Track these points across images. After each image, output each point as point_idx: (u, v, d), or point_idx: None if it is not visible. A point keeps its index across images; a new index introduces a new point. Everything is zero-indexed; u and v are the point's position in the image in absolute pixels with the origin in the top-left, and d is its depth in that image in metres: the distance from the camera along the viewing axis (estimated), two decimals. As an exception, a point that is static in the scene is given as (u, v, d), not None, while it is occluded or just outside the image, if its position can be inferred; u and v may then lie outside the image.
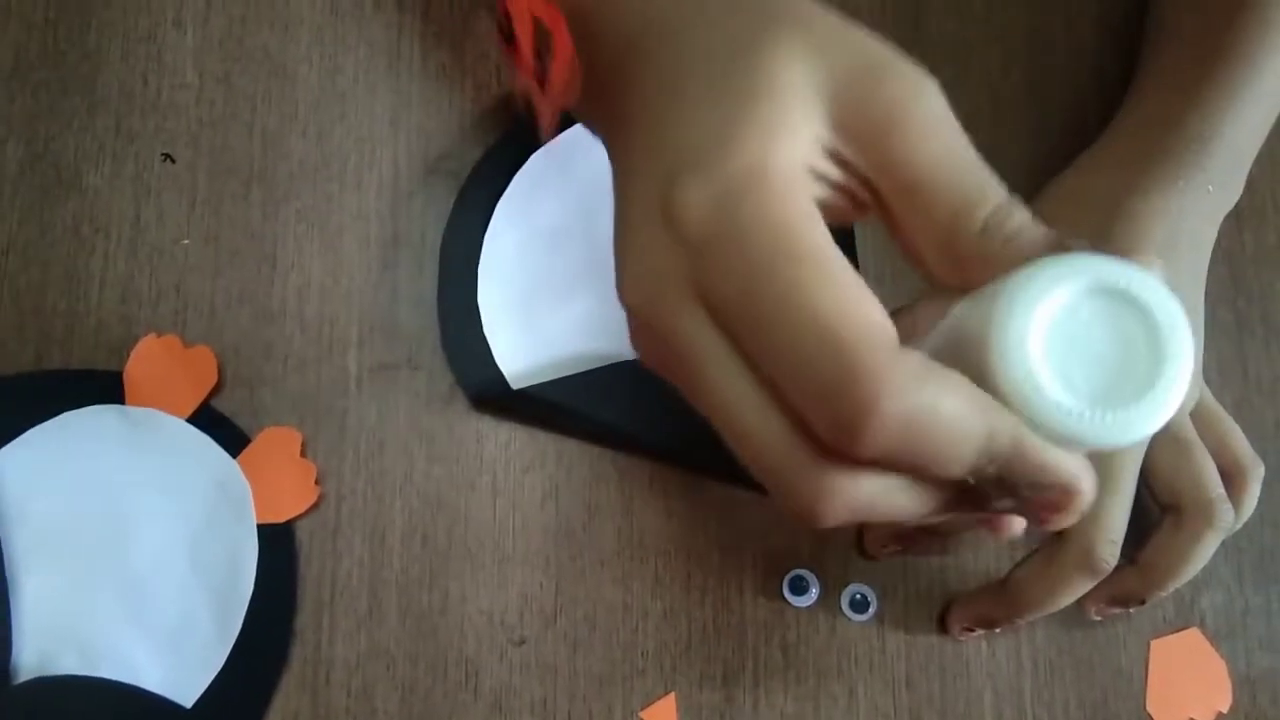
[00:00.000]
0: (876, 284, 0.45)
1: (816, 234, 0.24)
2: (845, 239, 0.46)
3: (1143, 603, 0.41)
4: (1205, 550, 0.40)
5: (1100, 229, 0.40)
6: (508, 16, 0.31)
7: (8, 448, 0.43)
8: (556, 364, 0.44)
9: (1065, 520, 0.25)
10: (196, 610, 0.42)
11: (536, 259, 0.45)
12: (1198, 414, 0.41)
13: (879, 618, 0.43)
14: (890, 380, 0.22)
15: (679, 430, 0.42)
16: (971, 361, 0.24)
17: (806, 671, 0.43)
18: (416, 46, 0.47)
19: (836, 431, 0.23)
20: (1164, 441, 0.40)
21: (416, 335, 0.45)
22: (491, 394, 0.44)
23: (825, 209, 0.26)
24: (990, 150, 0.47)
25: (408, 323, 0.45)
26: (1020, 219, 0.25)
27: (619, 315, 0.28)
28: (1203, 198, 0.41)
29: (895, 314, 0.25)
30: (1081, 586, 0.39)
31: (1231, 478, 0.41)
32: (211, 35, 0.47)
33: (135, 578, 0.42)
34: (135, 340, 0.44)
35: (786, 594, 0.43)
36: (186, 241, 0.45)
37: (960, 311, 0.25)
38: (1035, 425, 0.23)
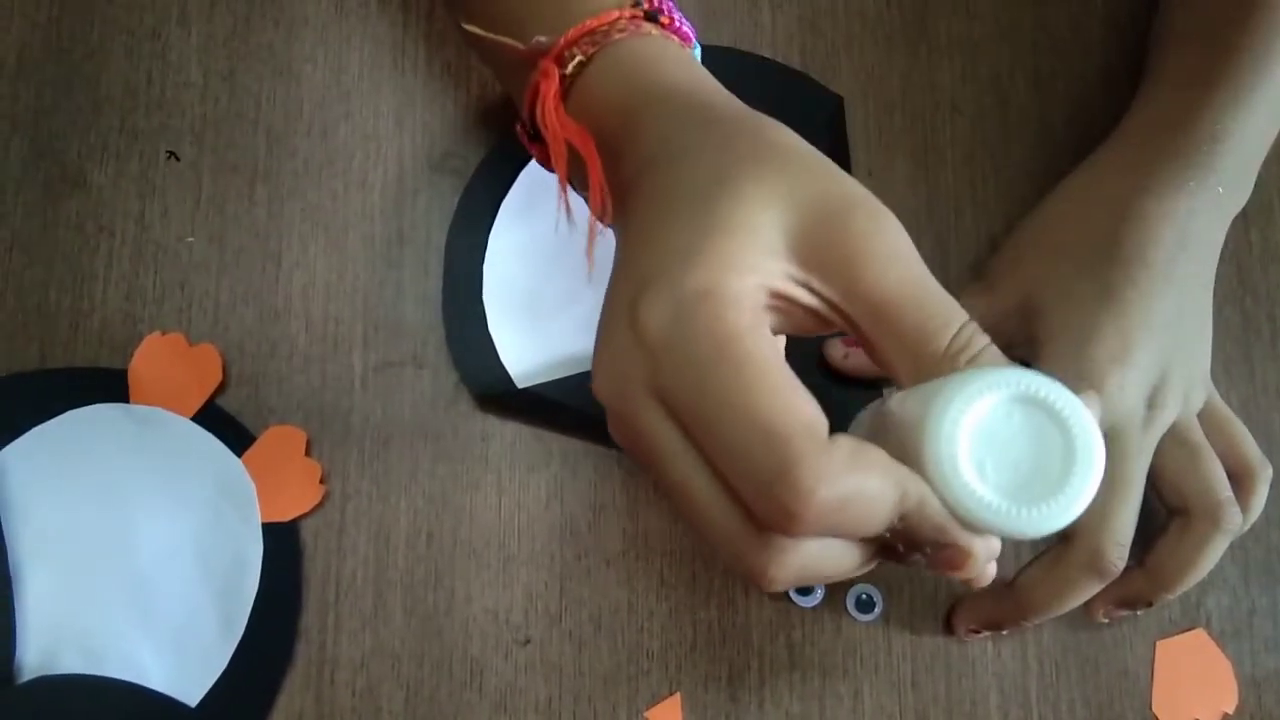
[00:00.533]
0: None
1: (759, 344, 0.27)
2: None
3: (1150, 605, 0.41)
4: (1213, 553, 0.40)
5: (1110, 230, 0.40)
6: (531, 120, 0.35)
7: (11, 446, 0.43)
8: (562, 363, 0.44)
9: (963, 575, 0.28)
10: (201, 609, 0.41)
11: (541, 258, 0.45)
12: (1205, 416, 0.41)
13: (884, 618, 0.43)
14: (822, 471, 0.25)
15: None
16: (908, 443, 0.27)
17: (812, 671, 0.43)
18: (421, 45, 0.47)
19: (777, 517, 0.26)
20: (1172, 444, 0.40)
21: (421, 333, 0.45)
22: (497, 393, 0.44)
23: (798, 327, 0.29)
24: (997, 149, 0.48)
25: (412, 321, 0.45)
26: (980, 342, 0.28)
27: None
28: (1212, 198, 0.41)
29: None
30: (1089, 589, 0.39)
31: (1239, 480, 0.41)
32: (216, 33, 0.47)
33: (139, 576, 0.42)
34: (140, 338, 0.44)
35: (792, 594, 0.43)
36: (191, 239, 0.45)
37: (900, 399, 0.29)
38: (950, 507, 0.27)
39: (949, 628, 0.43)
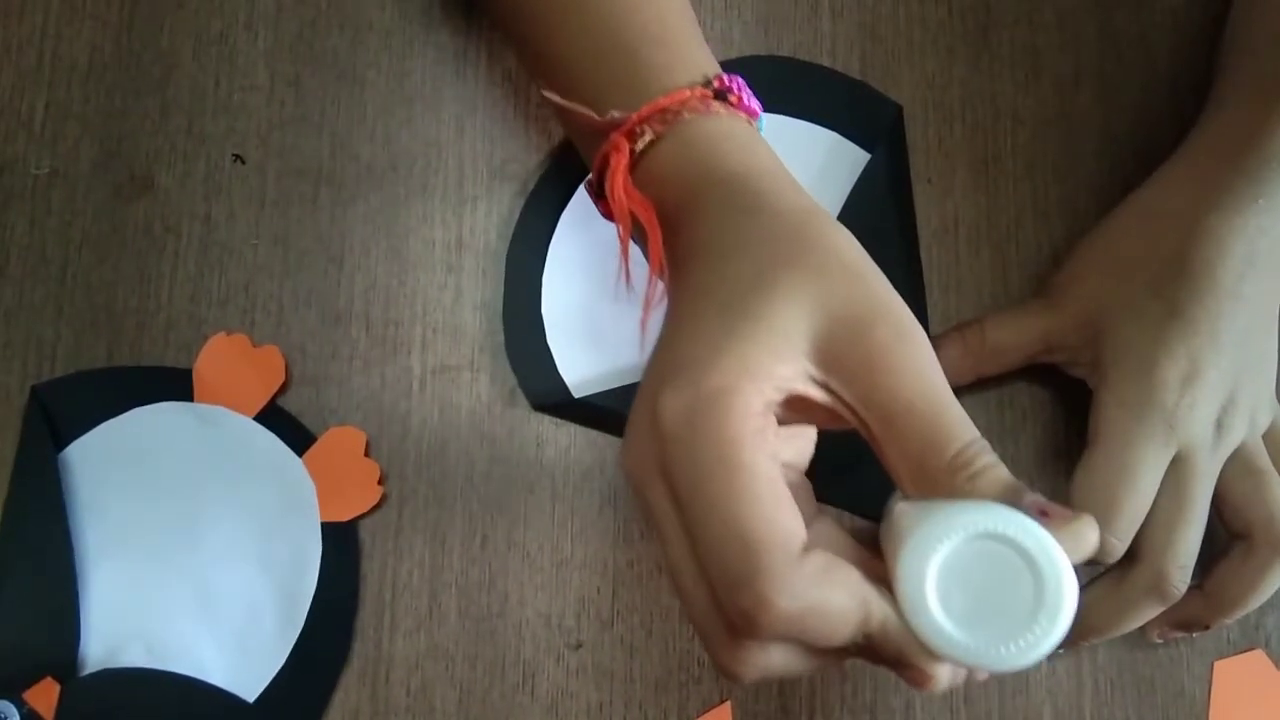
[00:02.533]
0: (942, 293, 0.45)
1: (757, 455, 0.28)
2: (910, 253, 0.46)
3: (1207, 628, 0.41)
4: (1273, 580, 0.39)
5: (1177, 248, 0.40)
6: (599, 183, 0.37)
7: (78, 442, 0.44)
8: (617, 373, 0.44)
9: (927, 690, 0.29)
10: (261, 606, 0.42)
11: (600, 268, 0.45)
12: (1270, 438, 0.41)
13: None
14: (786, 583, 0.27)
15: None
16: (890, 558, 0.28)
17: (864, 684, 0.42)
18: (483, 52, 0.48)
19: (739, 619, 0.28)
20: (1237, 468, 0.40)
21: (479, 339, 0.45)
22: (553, 401, 0.44)
23: (816, 422, 0.31)
24: (1059, 159, 0.47)
25: (470, 326, 0.45)
26: (985, 460, 0.28)
27: None
28: None
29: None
30: (1150, 611, 0.39)
31: None
32: (282, 38, 0.48)
33: (202, 572, 0.42)
34: (205, 338, 0.44)
35: (844, 605, 0.43)
36: (256, 242, 0.46)
37: (902, 509, 0.30)
38: (916, 637, 0.28)
39: None
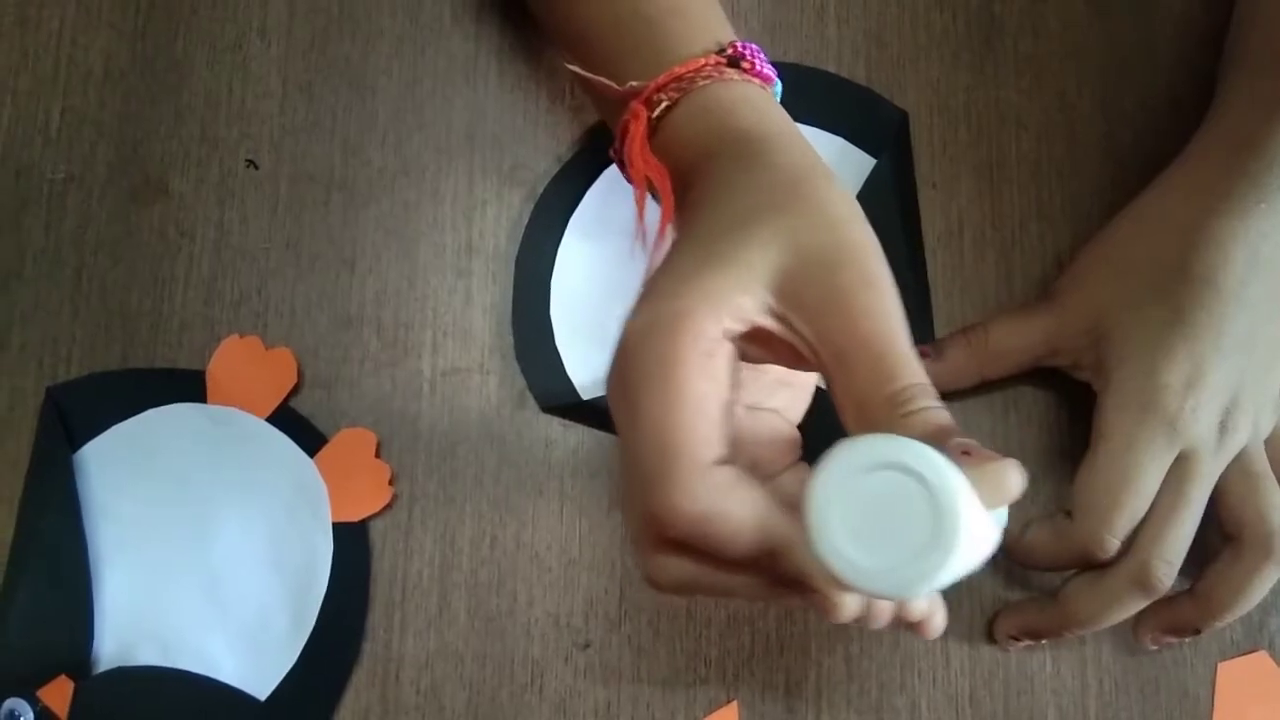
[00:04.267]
0: (947, 297, 0.45)
1: (693, 374, 0.30)
2: (915, 257, 0.46)
3: (1198, 633, 0.41)
4: (1263, 584, 0.39)
5: (1179, 253, 0.40)
6: (621, 149, 0.38)
7: (93, 443, 0.44)
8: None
9: (832, 619, 0.30)
10: (272, 605, 0.43)
11: (608, 271, 0.46)
12: (1272, 443, 0.41)
13: (943, 633, 0.43)
14: (689, 487, 0.29)
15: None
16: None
17: (869, 684, 0.43)
18: (493, 60, 0.48)
19: (648, 520, 0.30)
20: (1235, 471, 0.40)
21: (488, 341, 0.46)
22: (562, 403, 0.44)
23: (779, 359, 0.33)
24: (1063, 164, 0.48)
25: (480, 329, 0.46)
26: (922, 402, 0.30)
27: None
28: None
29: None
30: (1133, 604, 0.39)
31: None
32: (295, 45, 0.48)
33: (214, 572, 0.43)
34: (218, 341, 0.45)
35: (850, 606, 0.43)
36: (268, 246, 0.46)
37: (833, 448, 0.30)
38: (819, 561, 0.28)
39: (991, 635, 0.43)
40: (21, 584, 0.42)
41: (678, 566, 0.31)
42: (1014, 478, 0.29)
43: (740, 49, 0.37)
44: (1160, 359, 0.39)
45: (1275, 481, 0.40)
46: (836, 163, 0.47)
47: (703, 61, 0.37)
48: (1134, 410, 0.39)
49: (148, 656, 0.42)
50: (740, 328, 0.31)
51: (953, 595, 0.43)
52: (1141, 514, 0.39)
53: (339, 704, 0.42)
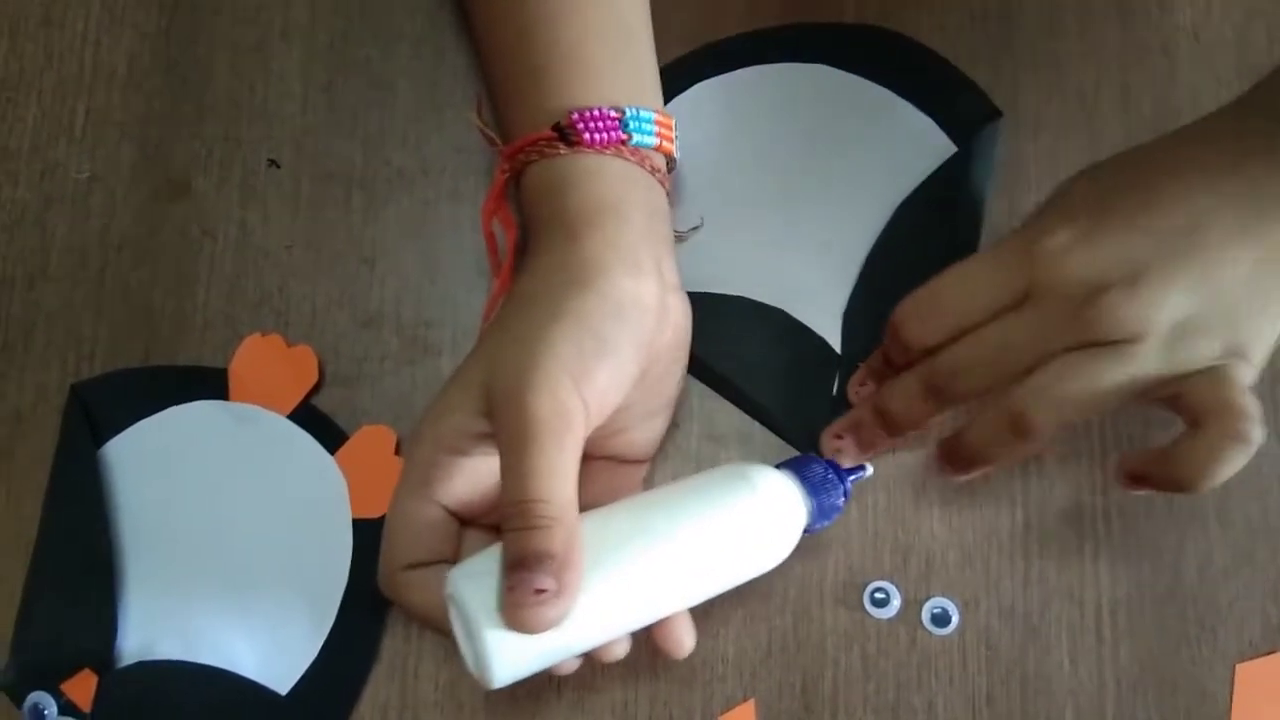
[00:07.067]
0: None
1: (407, 493, 0.37)
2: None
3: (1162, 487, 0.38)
4: (1228, 465, 0.36)
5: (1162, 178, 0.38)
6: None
7: (116, 439, 0.45)
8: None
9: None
10: (293, 601, 0.43)
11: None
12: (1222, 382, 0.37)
13: (960, 633, 0.43)
14: (385, 579, 0.37)
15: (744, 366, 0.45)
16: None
17: (886, 684, 0.43)
18: (512, 58, 0.49)
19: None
20: (1204, 378, 0.37)
21: (507, 340, 0.46)
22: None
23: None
24: (1081, 165, 0.47)
25: (499, 327, 0.46)
26: (513, 524, 0.33)
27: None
28: None
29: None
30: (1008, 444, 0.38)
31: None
32: (316, 47, 0.49)
33: (236, 568, 0.43)
34: (240, 339, 0.45)
35: (867, 606, 0.43)
36: (290, 245, 0.47)
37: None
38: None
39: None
40: (46, 579, 0.43)
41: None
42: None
43: (574, 120, 0.39)
44: (1079, 213, 0.37)
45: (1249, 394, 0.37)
46: (919, 143, 0.47)
47: (536, 137, 0.40)
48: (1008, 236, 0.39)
49: (170, 651, 0.43)
50: (459, 435, 0.36)
51: (970, 594, 0.43)
52: (951, 314, 0.38)
53: (359, 699, 0.43)
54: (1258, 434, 0.36)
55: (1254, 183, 0.37)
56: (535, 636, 0.33)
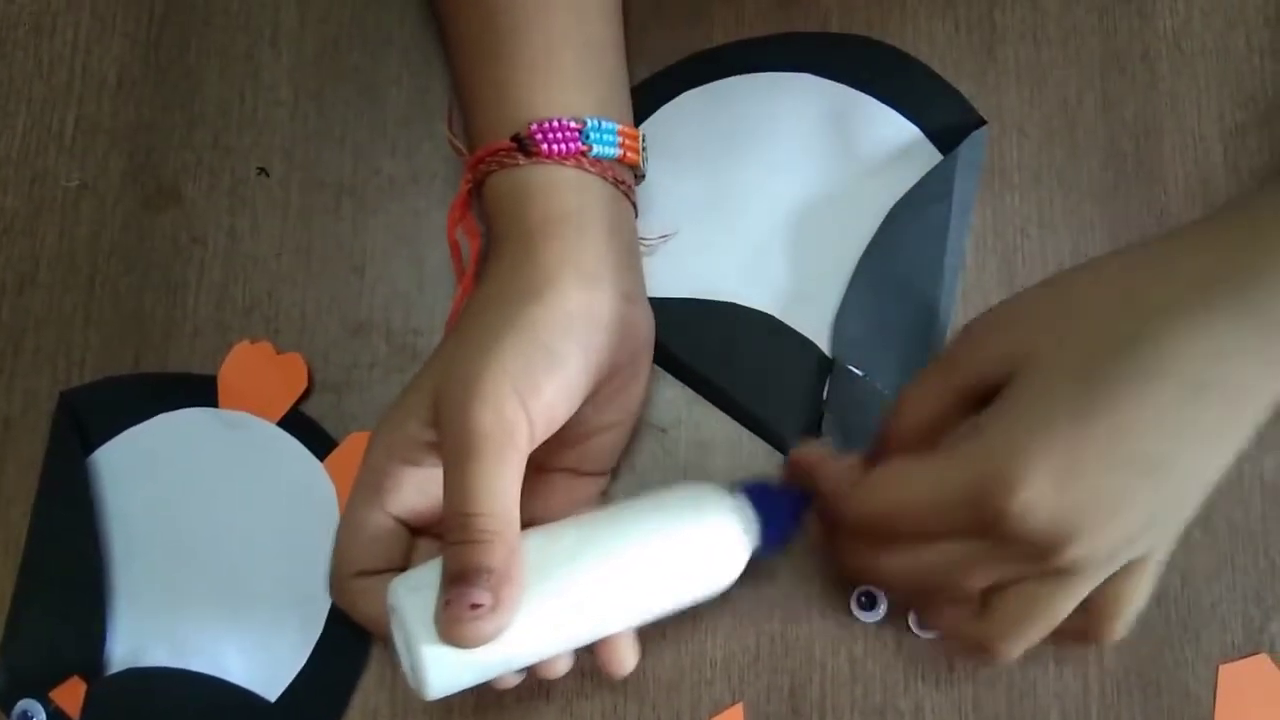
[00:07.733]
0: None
1: (360, 501, 0.38)
2: (945, 262, 0.46)
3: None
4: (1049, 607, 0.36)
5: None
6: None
7: (106, 446, 0.45)
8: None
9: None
10: (282, 607, 0.43)
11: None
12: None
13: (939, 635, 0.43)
14: (336, 585, 0.38)
15: (748, 384, 0.46)
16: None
17: (874, 686, 0.43)
18: (501, 67, 0.49)
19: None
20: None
21: (496, 346, 0.46)
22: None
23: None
24: (1064, 171, 0.48)
25: (488, 334, 0.46)
26: (454, 535, 0.34)
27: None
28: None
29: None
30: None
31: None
32: (305, 54, 0.49)
33: (225, 574, 0.43)
34: (229, 346, 0.46)
35: (855, 609, 0.44)
36: (279, 252, 0.47)
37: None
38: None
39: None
40: (35, 586, 0.43)
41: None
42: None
43: (533, 130, 0.39)
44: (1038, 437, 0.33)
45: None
46: (905, 150, 0.48)
47: (497, 146, 0.40)
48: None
49: (159, 658, 0.43)
50: (411, 445, 0.37)
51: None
52: (905, 530, 0.35)
53: (348, 705, 0.43)
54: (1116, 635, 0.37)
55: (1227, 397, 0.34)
56: (472, 650, 0.33)
